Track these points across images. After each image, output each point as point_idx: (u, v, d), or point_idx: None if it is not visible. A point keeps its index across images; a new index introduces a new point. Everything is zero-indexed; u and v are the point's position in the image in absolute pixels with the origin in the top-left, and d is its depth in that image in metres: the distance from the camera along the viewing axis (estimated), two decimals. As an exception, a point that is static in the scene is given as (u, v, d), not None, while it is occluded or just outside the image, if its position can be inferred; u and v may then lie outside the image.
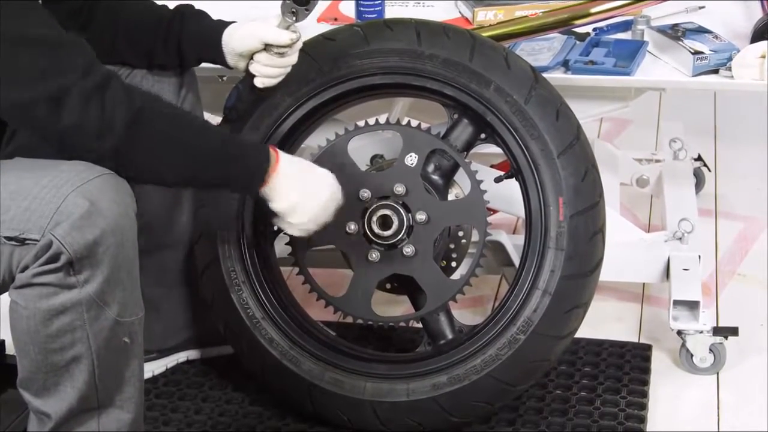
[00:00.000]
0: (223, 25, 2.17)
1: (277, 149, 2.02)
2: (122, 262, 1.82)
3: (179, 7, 2.20)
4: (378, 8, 2.48)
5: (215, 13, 2.24)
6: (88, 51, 1.84)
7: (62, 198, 1.78)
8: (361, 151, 2.30)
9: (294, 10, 2.06)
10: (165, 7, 2.21)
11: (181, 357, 2.49)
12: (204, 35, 2.18)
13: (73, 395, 1.86)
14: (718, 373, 2.44)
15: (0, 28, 1.75)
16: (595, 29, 2.51)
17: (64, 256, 1.77)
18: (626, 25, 2.52)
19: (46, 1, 1.86)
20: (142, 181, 1.95)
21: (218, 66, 2.22)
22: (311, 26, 2.41)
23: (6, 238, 1.79)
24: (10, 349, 2.47)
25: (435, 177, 2.22)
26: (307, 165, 2.06)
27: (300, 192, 2.01)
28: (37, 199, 1.78)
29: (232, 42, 2.15)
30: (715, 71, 2.35)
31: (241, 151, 1.99)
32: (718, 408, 2.37)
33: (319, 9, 2.56)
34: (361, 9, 2.50)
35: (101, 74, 1.83)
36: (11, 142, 2.06)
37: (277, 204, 2.01)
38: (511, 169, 2.22)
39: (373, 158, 2.34)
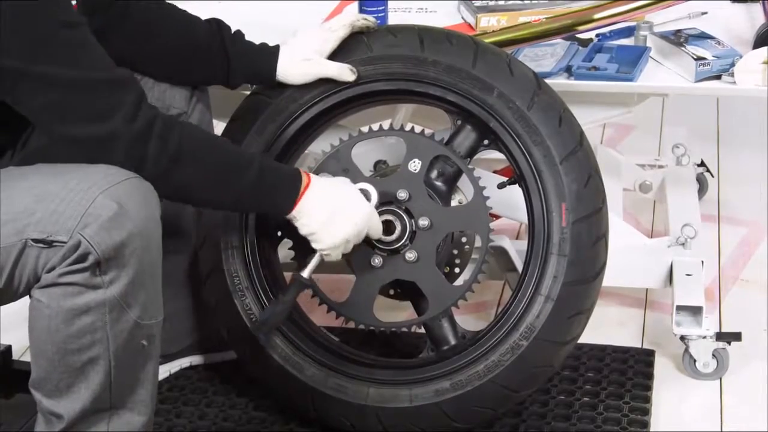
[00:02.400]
0: (275, 54, 2.21)
1: (310, 174, 2.06)
2: (147, 264, 1.84)
3: (219, 28, 2.22)
4: (381, 14, 2.48)
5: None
6: (136, 90, 1.89)
7: (91, 200, 1.79)
8: (364, 157, 2.30)
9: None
10: (198, 19, 2.23)
11: (184, 362, 2.49)
12: (256, 67, 2.23)
13: (86, 396, 1.86)
14: (721, 379, 2.44)
15: (53, 69, 1.80)
16: (598, 35, 2.51)
17: (92, 256, 1.78)
18: (629, 31, 2.52)
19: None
20: (178, 201, 2.04)
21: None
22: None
23: (33, 240, 1.80)
24: (16, 354, 2.48)
25: (438, 183, 2.22)
26: (338, 188, 2.09)
27: (326, 217, 2.04)
28: (65, 202, 1.80)
29: (291, 77, 2.22)
30: (718, 77, 2.35)
31: (277, 180, 2.03)
32: (721, 413, 2.37)
33: (322, 15, 2.58)
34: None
35: (145, 119, 1.88)
36: (26, 145, 2.07)
37: (303, 228, 2.05)
38: (513, 175, 2.23)
39: (377, 164, 2.34)
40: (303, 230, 2.06)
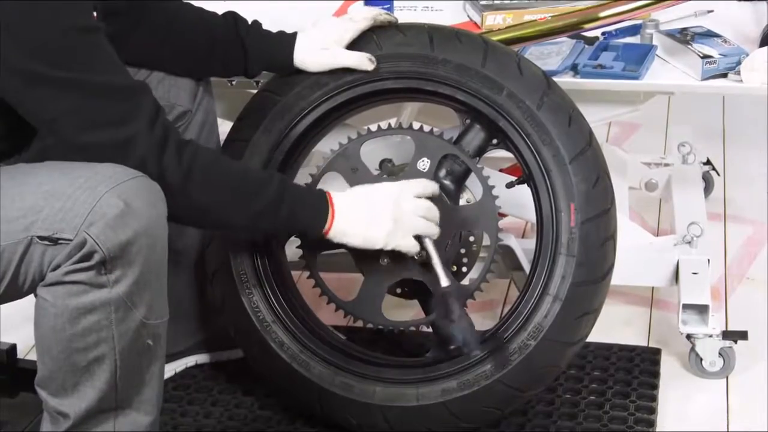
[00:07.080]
0: (291, 41, 2.21)
1: (330, 192, 2.05)
2: (153, 264, 1.83)
3: (235, 20, 2.23)
4: (387, 12, 2.48)
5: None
6: (152, 99, 1.90)
7: (97, 198, 1.79)
8: (369, 156, 2.29)
9: None
10: (214, 14, 2.24)
11: (190, 361, 2.49)
12: (272, 54, 2.22)
13: (92, 395, 1.86)
14: (727, 377, 2.45)
15: (72, 74, 1.80)
16: (604, 33, 2.51)
17: (97, 254, 1.77)
18: (635, 29, 2.52)
19: None
20: (201, 228, 2.09)
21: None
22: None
23: (39, 237, 1.80)
24: (21, 353, 2.48)
25: (446, 182, 2.22)
26: (361, 193, 2.09)
27: (364, 224, 2.05)
28: (72, 199, 1.79)
29: (308, 65, 2.22)
30: (724, 75, 2.35)
31: (299, 197, 2.03)
32: (727, 412, 2.37)
33: (329, 12, 2.57)
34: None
35: (163, 127, 1.89)
36: (30, 149, 2.07)
37: (353, 241, 2.06)
38: (522, 175, 2.22)
39: (382, 163, 2.33)
40: (354, 243, 2.06)
